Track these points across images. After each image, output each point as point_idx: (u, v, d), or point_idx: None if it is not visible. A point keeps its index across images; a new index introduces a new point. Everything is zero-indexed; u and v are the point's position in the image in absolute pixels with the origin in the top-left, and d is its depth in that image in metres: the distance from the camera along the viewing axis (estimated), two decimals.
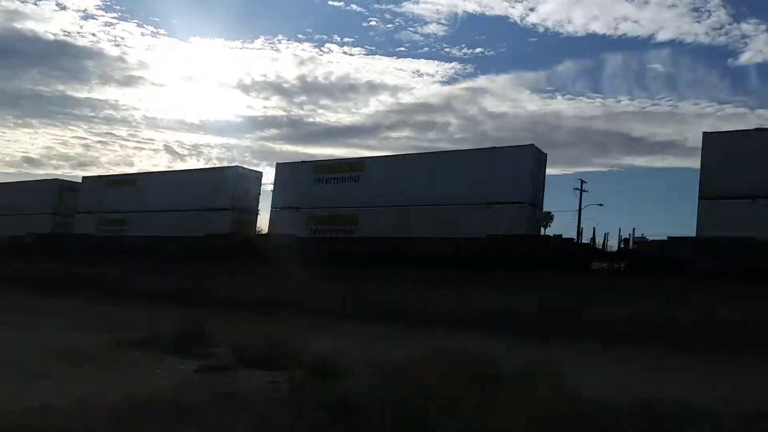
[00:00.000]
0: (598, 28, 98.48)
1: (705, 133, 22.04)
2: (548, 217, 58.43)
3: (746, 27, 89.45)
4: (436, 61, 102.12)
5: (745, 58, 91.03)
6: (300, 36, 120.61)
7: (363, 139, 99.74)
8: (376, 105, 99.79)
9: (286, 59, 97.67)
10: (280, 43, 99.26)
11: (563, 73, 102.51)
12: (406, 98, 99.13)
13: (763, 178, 20.09)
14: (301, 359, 8.38)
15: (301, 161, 31.83)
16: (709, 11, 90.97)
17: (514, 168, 24.63)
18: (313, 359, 8.02)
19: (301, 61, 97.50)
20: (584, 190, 44.81)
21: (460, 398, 5.22)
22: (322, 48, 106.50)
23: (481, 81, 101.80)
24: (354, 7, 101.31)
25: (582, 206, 44.46)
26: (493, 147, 25.69)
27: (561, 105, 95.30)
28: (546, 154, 26.10)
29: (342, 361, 7.67)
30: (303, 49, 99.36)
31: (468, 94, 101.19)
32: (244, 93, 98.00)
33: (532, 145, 25.21)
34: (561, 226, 52.44)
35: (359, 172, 28.53)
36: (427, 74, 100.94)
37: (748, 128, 22.02)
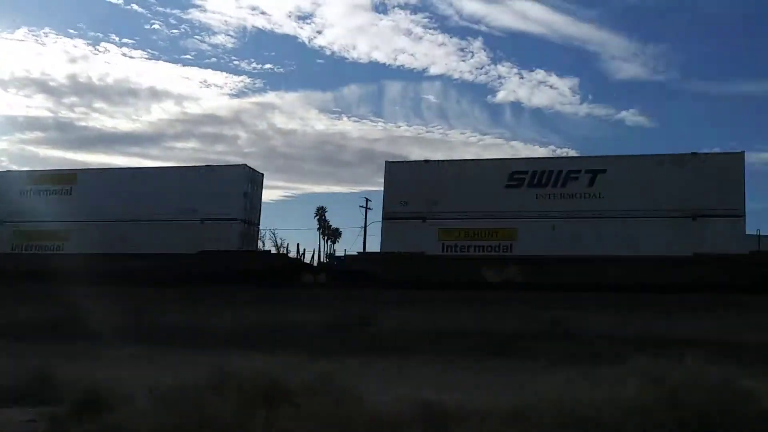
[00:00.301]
0: (379, 56, 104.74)
1: (387, 162, 25.51)
2: (336, 233, 60.11)
3: (502, 69, 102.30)
4: (224, 73, 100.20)
5: (500, 96, 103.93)
6: (71, 31, 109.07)
7: (144, 147, 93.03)
8: (159, 113, 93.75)
9: (54, 55, 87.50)
10: (46, 36, 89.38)
11: (349, 96, 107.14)
12: (192, 108, 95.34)
13: (426, 202, 24.05)
14: (68, 391, 7.45)
15: (7, 170, 29.82)
16: (472, 52, 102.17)
17: (228, 186, 25.86)
18: (83, 390, 7.17)
19: (72, 59, 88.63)
20: (369, 208, 46.71)
21: (245, 420, 5.04)
22: (97, 47, 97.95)
23: (271, 97, 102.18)
24: (135, 7, 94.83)
25: (367, 223, 46.31)
26: (209, 165, 27.19)
27: (347, 126, 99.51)
28: (262, 174, 28.09)
29: (117, 390, 6.97)
30: (75, 46, 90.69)
31: (257, 109, 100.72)
32: (2, 89, 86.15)
33: (245, 165, 27.03)
34: (349, 242, 54.31)
35: (71, 185, 27.38)
36: (215, 85, 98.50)
37: (438, 159, 25.83)
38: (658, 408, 5.28)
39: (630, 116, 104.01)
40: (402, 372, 15.30)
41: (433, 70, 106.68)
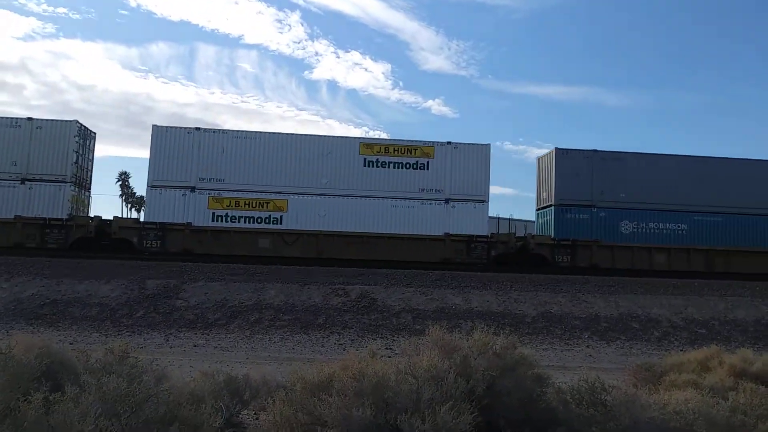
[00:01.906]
0: (191, 16, 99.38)
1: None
2: (141, 201, 56.47)
3: (319, 46, 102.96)
4: (8, 11, 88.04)
5: (317, 73, 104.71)
6: None
7: None
8: None
9: None
10: None
11: (157, 55, 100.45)
12: None
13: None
14: None
15: None
16: (290, 25, 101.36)
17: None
18: None
19: None
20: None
21: (18, 405, 4.47)
22: None
23: (65, 45, 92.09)
24: None
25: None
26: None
27: (155, 87, 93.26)
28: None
29: None
30: None
31: (49, 57, 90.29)
32: None
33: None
34: None
35: None
36: None
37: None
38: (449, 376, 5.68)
39: (436, 105, 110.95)
40: (200, 347, 14.86)
41: (249, 39, 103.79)
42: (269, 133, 25.55)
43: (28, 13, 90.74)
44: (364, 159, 24.90)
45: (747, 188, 26.00)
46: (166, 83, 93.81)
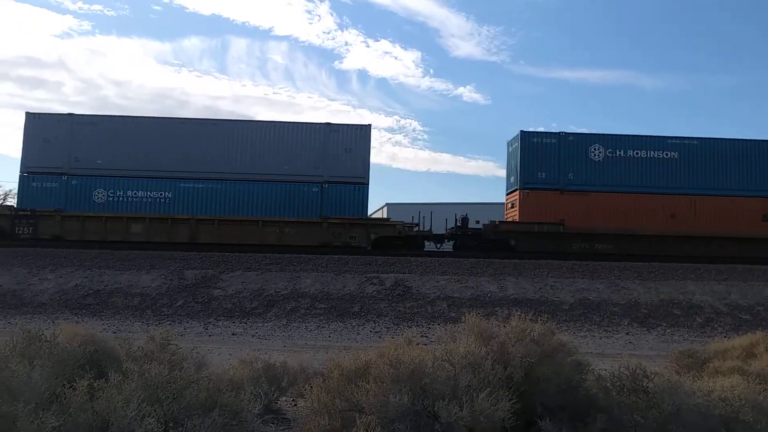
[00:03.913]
0: (222, 10, 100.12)
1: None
2: None
3: (348, 36, 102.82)
4: (45, 10, 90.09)
5: (347, 62, 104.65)
6: None
7: None
8: None
9: None
10: None
11: (190, 49, 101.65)
12: (6, 48, 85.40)
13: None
14: None
15: None
16: (319, 15, 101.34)
17: None
18: None
19: None
20: None
21: (64, 391, 4.61)
22: None
23: (101, 42, 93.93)
24: None
25: None
26: None
27: (189, 80, 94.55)
28: None
29: None
30: None
31: (86, 54, 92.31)
32: None
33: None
34: None
35: None
36: (36, 23, 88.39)
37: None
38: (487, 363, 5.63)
39: (467, 92, 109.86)
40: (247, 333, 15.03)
41: (279, 31, 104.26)
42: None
43: (64, 11, 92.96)
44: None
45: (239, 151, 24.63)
46: (200, 77, 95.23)
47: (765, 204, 24.75)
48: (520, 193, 25.03)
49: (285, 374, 7.57)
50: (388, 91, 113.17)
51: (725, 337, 14.23)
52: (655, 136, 25.51)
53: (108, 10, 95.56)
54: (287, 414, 7.03)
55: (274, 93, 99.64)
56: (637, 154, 24.92)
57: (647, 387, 5.84)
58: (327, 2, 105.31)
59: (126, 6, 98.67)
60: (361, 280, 18.97)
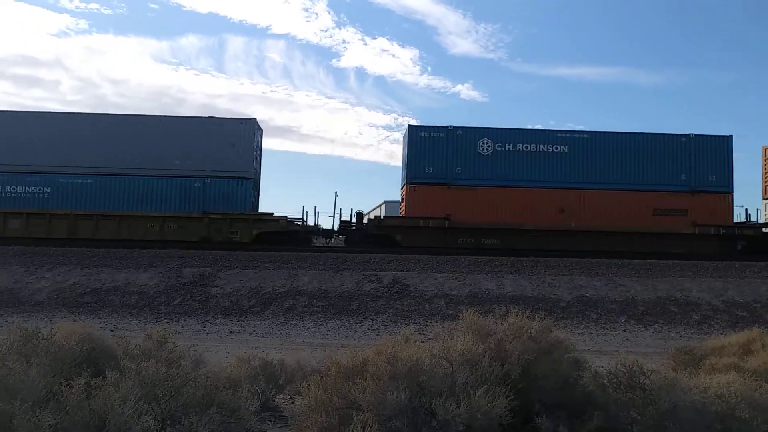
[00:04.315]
0: (219, 8, 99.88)
1: None
2: None
3: (346, 34, 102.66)
4: (42, 8, 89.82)
5: (345, 60, 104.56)
6: None
7: None
8: None
9: None
10: None
11: (187, 47, 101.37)
12: (2, 45, 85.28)
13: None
14: None
15: None
16: (316, 14, 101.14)
17: None
18: None
19: None
20: None
21: (61, 389, 4.60)
22: None
23: (98, 40, 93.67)
24: None
25: None
26: None
27: (186, 79, 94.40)
28: None
29: None
30: None
31: (83, 53, 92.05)
32: None
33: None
34: None
35: None
36: (32, 22, 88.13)
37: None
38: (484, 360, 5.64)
39: (465, 90, 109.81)
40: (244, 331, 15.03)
41: (277, 29, 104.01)
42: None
43: (61, 10, 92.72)
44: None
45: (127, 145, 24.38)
46: (197, 75, 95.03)
47: (655, 198, 24.53)
48: (407, 187, 24.93)
49: (282, 372, 7.59)
50: (386, 89, 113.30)
51: (722, 334, 14.26)
52: (545, 130, 25.37)
53: (105, 9, 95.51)
54: (284, 411, 7.03)
55: (272, 91, 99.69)
56: (526, 148, 24.60)
57: (644, 384, 5.86)
58: (324, 0, 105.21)
59: (123, 4, 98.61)
60: (359, 278, 18.97)
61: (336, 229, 25.59)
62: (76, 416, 4.50)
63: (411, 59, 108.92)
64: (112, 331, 14.16)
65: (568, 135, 24.96)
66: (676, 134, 25.22)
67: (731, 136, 25.16)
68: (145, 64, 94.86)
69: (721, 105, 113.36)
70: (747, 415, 5.61)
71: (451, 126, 24.91)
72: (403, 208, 25.19)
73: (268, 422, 6.50)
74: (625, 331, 16.29)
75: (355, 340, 14.29)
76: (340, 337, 14.99)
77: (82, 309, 17.06)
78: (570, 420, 5.58)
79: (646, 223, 24.35)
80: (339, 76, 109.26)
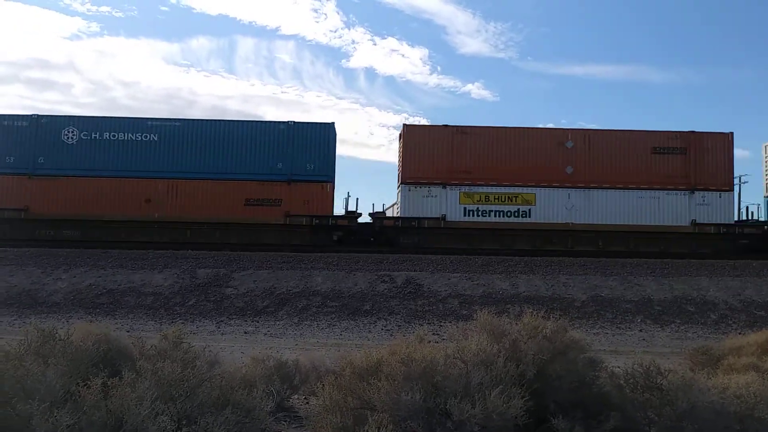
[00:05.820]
0: (229, 10, 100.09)
1: None
2: None
3: (355, 34, 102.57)
4: (54, 12, 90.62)
5: (354, 61, 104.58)
6: None
7: None
8: None
9: None
10: None
11: (198, 49, 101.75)
12: (16, 50, 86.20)
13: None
14: None
15: None
16: (325, 14, 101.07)
17: None
18: None
19: None
20: None
21: (78, 389, 4.65)
22: None
23: (110, 43, 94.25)
24: None
25: None
26: None
27: (197, 80, 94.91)
28: None
29: None
30: None
31: (95, 56, 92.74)
32: None
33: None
34: None
35: None
36: (44, 25, 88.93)
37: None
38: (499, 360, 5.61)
39: (475, 89, 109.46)
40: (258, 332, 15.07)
41: (286, 30, 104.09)
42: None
43: (73, 13, 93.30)
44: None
45: None
46: (208, 77, 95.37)
47: (249, 188, 24.09)
48: None
49: (297, 372, 7.60)
50: (396, 89, 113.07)
51: (740, 333, 14.08)
52: (135, 118, 24.66)
53: (116, 12, 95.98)
54: (299, 412, 7.05)
55: (282, 92, 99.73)
56: (114, 136, 24.12)
57: (661, 384, 5.80)
58: (333, 1, 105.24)
59: (134, 7, 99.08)
60: (372, 278, 18.97)
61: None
62: (93, 416, 4.53)
63: (420, 59, 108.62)
64: (128, 331, 14.26)
65: (158, 123, 24.45)
66: (276, 122, 24.83)
67: (333, 123, 25.17)
68: (156, 66, 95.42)
69: (738, 102, 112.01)
70: (766, 416, 5.53)
71: (35, 114, 24.61)
72: None
73: (284, 422, 6.51)
74: (641, 330, 16.14)
75: (369, 340, 14.29)
76: (353, 337, 14.99)
77: (98, 310, 17.21)
78: (586, 420, 5.53)
79: (239, 213, 23.98)
80: (349, 76, 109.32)
